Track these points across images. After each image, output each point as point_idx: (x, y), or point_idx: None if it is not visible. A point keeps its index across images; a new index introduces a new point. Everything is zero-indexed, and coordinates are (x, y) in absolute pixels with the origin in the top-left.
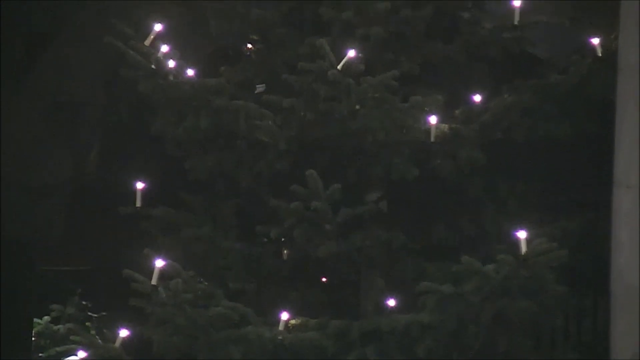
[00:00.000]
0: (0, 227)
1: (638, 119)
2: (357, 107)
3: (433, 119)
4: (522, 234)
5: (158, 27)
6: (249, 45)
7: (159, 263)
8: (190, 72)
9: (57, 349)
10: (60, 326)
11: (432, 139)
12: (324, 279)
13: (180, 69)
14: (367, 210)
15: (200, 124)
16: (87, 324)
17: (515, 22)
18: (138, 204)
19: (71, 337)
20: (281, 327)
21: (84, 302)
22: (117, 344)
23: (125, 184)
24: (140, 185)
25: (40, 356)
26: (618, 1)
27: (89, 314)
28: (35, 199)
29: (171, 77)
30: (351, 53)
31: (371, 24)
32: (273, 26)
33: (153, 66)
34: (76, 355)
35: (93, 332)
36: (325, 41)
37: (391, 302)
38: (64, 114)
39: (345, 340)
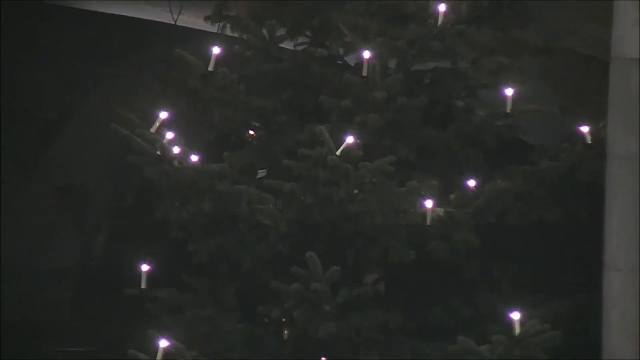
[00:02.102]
0: (10, 309)
1: (626, 204)
2: (356, 191)
3: (429, 203)
4: (515, 315)
5: (163, 114)
6: (251, 132)
7: (163, 343)
8: (194, 157)
9: None
10: None
11: (428, 223)
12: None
13: (184, 154)
14: (365, 292)
15: (204, 208)
16: None
17: (508, 111)
18: (143, 285)
19: None
20: None
21: None
22: None
23: (130, 266)
24: (145, 267)
25: None
26: (606, 95)
27: None
28: (43, 282)
29: (176, 163)
30: (350, 139)
31: (369, 112)
32: (274, 114)
33: (158, 152)
34: None
35: None
36: (325, 128)
37: None
38: (72, 199)
39: None
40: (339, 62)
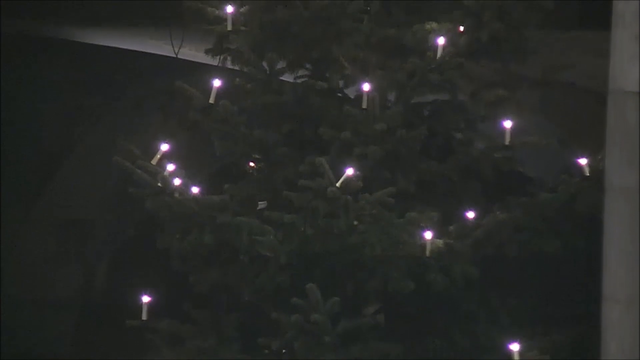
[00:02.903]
0: (10, 342)
1: (624, 236)
2: (355, 222)
3: (428, 235)
4: (515, 346)
5: (164, 147)
6: (252, 164)
7: None
8: (195, 189)
9: None
10: None
11: (428, 254)
12: None
13: (185, 186)
14: (365, 323)
15: (205, 240)
16: None
17: (507, 143)
18: (144, 317)
19: None
20: None
21: None
22: None
23: (132, 297)
24: (146, 298)
25: None
26: (604, 128)
27: None
28: (44, 315)
29: (177, 195)
30: (349, 171)
31: (368, 144)
32: (274, 146)
33: (159, 184)
34: None
35: None
36: (325, 160)
37: None
38: (73, 231)
39: None
40: (339, 94)
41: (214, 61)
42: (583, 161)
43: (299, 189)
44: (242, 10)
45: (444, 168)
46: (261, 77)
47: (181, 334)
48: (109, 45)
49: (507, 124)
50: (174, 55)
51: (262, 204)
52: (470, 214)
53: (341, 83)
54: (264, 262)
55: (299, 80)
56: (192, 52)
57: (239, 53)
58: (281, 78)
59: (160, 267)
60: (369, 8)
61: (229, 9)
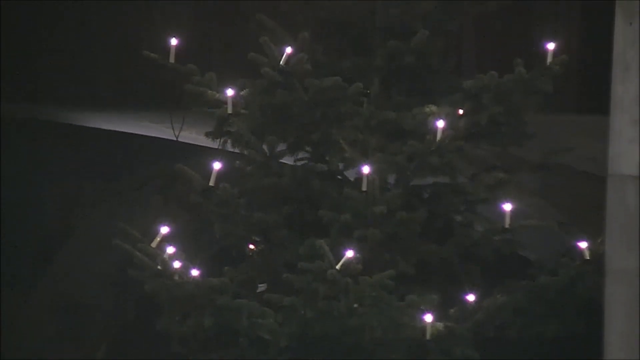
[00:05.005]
0: None
1: (625, 320)
2: (355, 305)
3: (428, 318)
4: None
5: (164, 229)
6: (252, 246)
7: None
8: (194, 272)
9: None
10: None
11: (428, 337)
12: None
13: (185, 269)
14: None
15: (204, 322)
16: None
17: (506, 226)
18: None
19: None
20: None
21: None
22: None
23: None
24: None
25: None
26: (604, 211)
27: None
28: None
29: (176, 277)
30: (349, 253)
31: (368, 226)
32: (274, 228)
33: (159, 267)
34: None
35: None
36: (325, 242)
37: None
38: (72, 313)
39: None
40: (339, 177)
41: (215, 144)
42: (583, 244)
43: (299, 272)
44: (242, 93)
45: (444, 250)
46: (261, 160)
47: None
48: (110, 128)
49: (507, 206)
50: (175, 139)
51: (262, 287)
52: (471, 297)
53: (341, 165)
54: (264, 344)
55: (299, 163)
56: (193, 135)
57: (239, 136)
58: (281, 161)
59: (160, 350)
60: (368, 91)
61: (229, 92)
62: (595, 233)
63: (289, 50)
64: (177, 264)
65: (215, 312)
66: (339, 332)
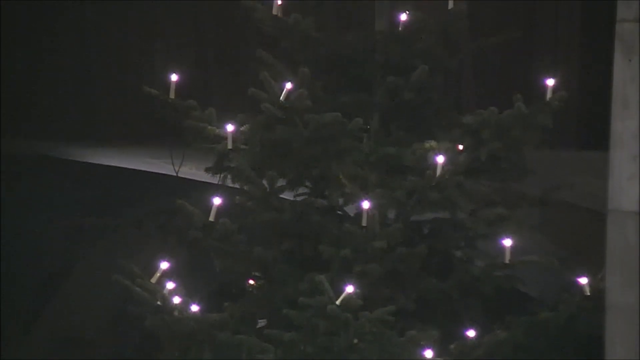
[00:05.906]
0: None
1: (626, 356)
2: (356, 341)
3: (429, 353)
4: None
5: (164, 265)
6: (251, 282)
7: None
8: (194, 307)
9: None
10: None
11: None
12: None
13: (185, 304)
14: None
15: (204, 358)
16: None
17: (507, 261)
18: None
19: None
20: None
21: None
22: None
23: None
24: None
25: None
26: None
27: None
28: None
29: (176, 313)
30: (349, 289)
31: (368, 261)
32: (274, 263)
33: (159, 303)
34: None
35: None
36: (325, 277)
37: None
38: (72, 350)
39: None
40: (339, 212)
41: (214, 179)
42: (584, 280)
43: (298, 307)
44: (242, 128)
45: (444, 286)
46: (261, 195)
47: None
48: (109, 164)
49: (507, 242)
50: (175, 174)
51: (261, 322)
52: (471, 333)
53: (341, 201)
54: None
55: (298, 198)
56: (193, 171)
57: (239, 171)
58: (281, 196)
59: None
60: (368, 126)
61: (229, 127)
62: (595, 269)
63: (289, 85)
64: (177, 300)
65: (215, 347)
66: None
